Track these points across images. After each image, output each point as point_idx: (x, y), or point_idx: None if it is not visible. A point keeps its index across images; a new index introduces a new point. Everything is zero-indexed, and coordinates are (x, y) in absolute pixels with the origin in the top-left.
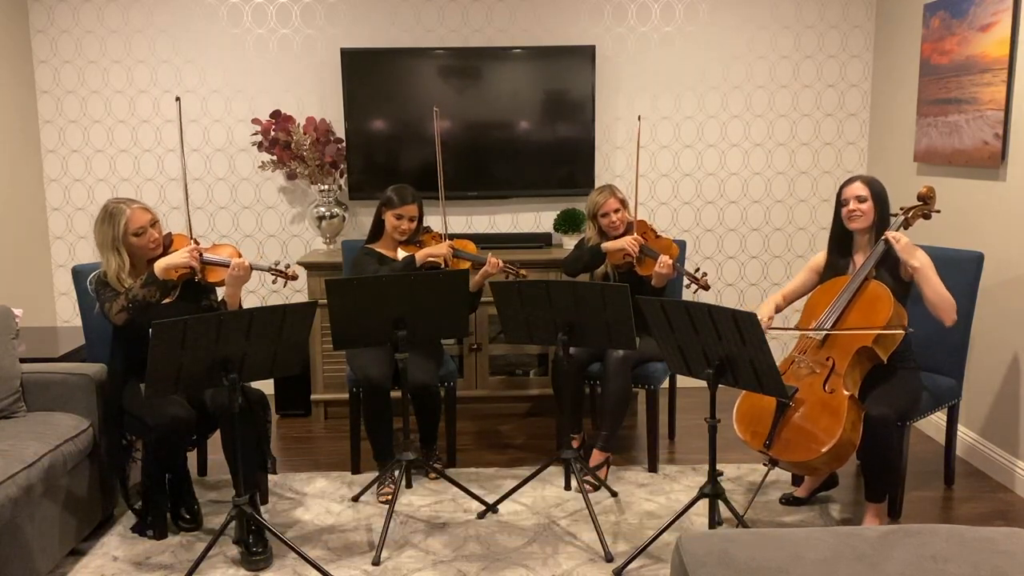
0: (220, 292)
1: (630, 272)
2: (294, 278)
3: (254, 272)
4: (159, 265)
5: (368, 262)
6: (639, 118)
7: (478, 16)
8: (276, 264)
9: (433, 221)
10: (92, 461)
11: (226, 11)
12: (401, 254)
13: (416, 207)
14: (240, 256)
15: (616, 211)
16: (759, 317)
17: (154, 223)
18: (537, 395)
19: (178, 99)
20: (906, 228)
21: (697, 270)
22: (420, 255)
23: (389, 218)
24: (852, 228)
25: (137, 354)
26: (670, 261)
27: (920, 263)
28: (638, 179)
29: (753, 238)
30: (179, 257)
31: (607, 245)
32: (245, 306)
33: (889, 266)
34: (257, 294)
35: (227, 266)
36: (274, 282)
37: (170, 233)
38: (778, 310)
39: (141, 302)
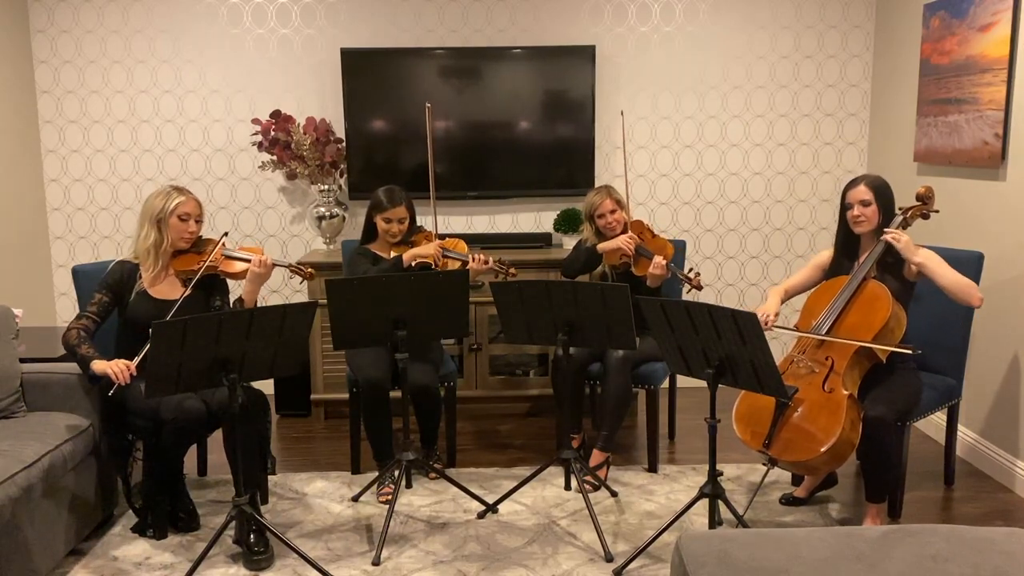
0: (235, 289)
1: (627, 273)
2: (311, 277)
3: (275, 269)
4: (96, 366)
5: (361, 262)
6: (621, 113)
7: (478, 16)
8: (299, 263)
9: (428, 221)
10: (92, 461)
11: (226, 11)
12: (394, 255)
13: (404, 208)
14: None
15: (612, 212)
16: (767, 313)
17: (199, 220)
18: (537, 395)
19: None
20: (905, 228)
21: (691, 270)
22: (408, 255)
23: (379, 222)
24: (857, 232)
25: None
26: (663, 262)
27: (923, 259)
28: (627, 177)
29: (753, 238)
30: (107, 367)
31: (603, 245)
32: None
33: (892, 267)
34: (281, 293)
35: (249, 261)
36: (291, 278)
37: (200, 236)
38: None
39: (76, 361)
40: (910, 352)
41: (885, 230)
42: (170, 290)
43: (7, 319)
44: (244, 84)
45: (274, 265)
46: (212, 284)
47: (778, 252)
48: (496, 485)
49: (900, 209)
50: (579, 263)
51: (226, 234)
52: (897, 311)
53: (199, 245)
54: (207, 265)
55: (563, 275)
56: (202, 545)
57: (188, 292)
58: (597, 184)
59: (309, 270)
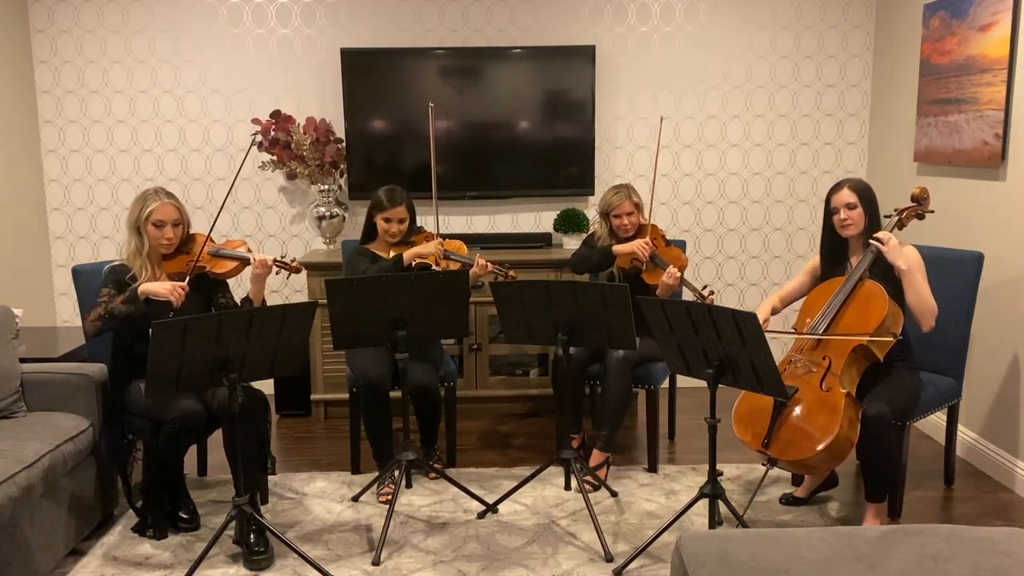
0: (234, 288)
1: (636, 278)
2: (297, 271)
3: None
4: (144, 286)
5: (361, 262)
6: (661, 119)
7: (478, 16)
8: (282, 257)
9: (429, 221)
10: (92, 461)
11: (226, 11)
12: (393, 255)
13: (404, 208)
14: (251, 251)
15: (629, 214)
16: None
17: (177, 224)
18: (537, 395)
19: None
20: (900, 228)
21: (705, 287)
22: (408, 254)
23: (379, 221)
24: (845, 236)
25: (140, 354)
26: (678, 275)
27: (907, 265)
28: (655, 181)
29: (753, 238)
30: (162, 288)
31: (617, 248)
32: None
33: (883, 267)
34: (281, 293)
35: (238, 259)
36: (277, 274)
37: (190, 234)
38: (775, 312)
39: (118, 317)
40: (892, 340)
41: (875, 235)
42: None
43: (7, 319)
44: (244, 84)
45: (274, 263)
46: (207, 282)
47: (778, 252)
48: (496, 485)
49: (896, 210)
50: (591, 263)
51: (213, 241)
52: (893, 309)
53: (187, 245)
54: (196, 266)
55: (573, 271)
56: (202, 545)
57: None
58: (597, 184)
59: (295, 263)
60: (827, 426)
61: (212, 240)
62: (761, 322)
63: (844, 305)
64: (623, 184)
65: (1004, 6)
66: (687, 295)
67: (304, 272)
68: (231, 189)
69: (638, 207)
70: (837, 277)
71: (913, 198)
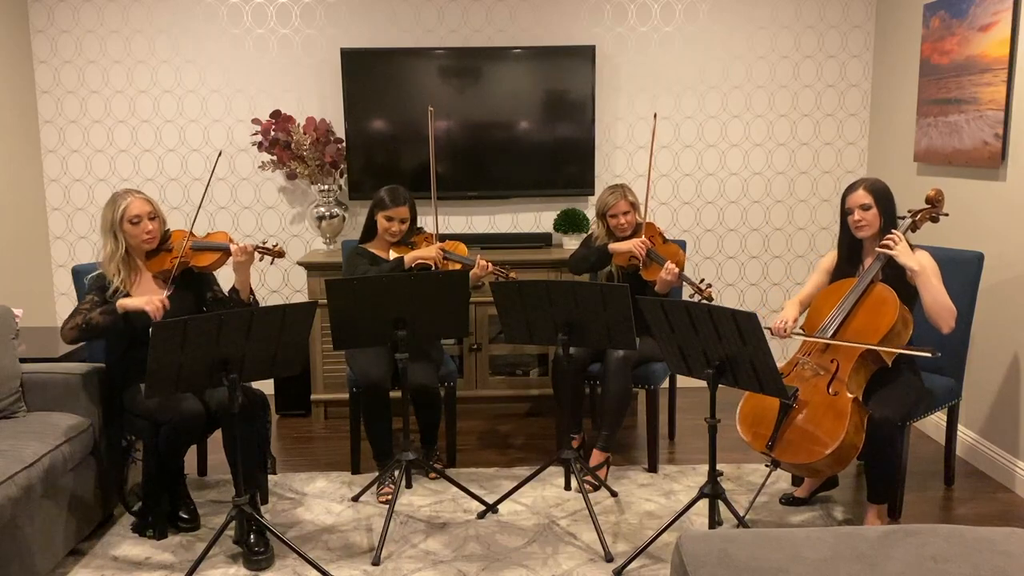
0: (221, 279)
1: (635, 275)
2: (281, 254)
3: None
4: (122, 301)
5: (360, 262)
6: (655, 116)
7: (478, 16)
8: (264, 243)
9: (429, 223)
10: (92, 461)
11: (226, 11)
12: (393, 255)
13: (407, 209)
14: (232, 240)
15: (625, 213)
16: (784, 320)
17: (153, 217)
18: (537, 395)
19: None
20: (914, 231)
21: (702, 280)
22: (409, 258)
23: (380, 220)
24: (859, 236)
25: (139, 355)
26: (676, 270)
27: (920, 267)
28: (650, 179)
29: (753, 238)
30: (138, 301)
31: (614, 247)
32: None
33: (896, 270)
34: (281, 294)
35: (219, 250)
36: (261, 260)
37: (168, 229)
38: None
39: (95, 328)
40: (928, 355)
41: (881, 244)
42: (149, 291)
43: (7, 319)
44: (244, 84)
45: (255, 249)
46: (193, 278)
47: (778, 252)
48: (496, 485)
49: (909, 212)
50: (588, 262)
51: (194, 235)
52: (904, 314)
53: (167, 243)
54: (180, 262)
55: (571, 272)
56: (202, 545)
57: (171, 291)
58: (597, 184)
59: (278, 247)
60: (833, 431)
61: (193, 234)
62: (791, 322)
63: (854, 308)
64: (618, 184)
65: (1004, 6)
66: (686, 290)
67: (304, 272)
68: (213, 169)
69: (634, 206)
70: (847, 279)
71: (928, 200)
